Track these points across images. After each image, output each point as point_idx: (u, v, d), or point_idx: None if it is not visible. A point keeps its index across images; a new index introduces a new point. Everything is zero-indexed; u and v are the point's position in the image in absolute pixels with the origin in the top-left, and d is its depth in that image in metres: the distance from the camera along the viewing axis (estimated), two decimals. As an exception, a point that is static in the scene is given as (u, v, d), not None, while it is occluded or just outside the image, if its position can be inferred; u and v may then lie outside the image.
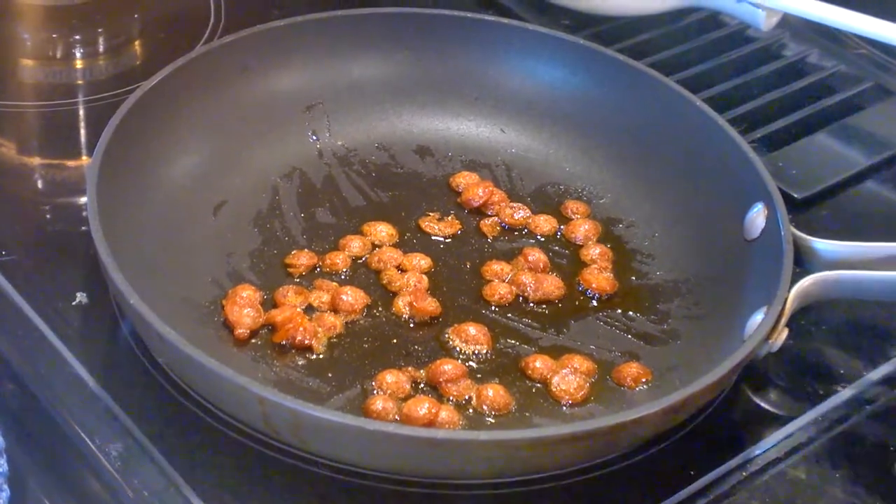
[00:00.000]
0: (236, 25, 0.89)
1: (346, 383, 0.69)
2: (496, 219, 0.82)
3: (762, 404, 0.72)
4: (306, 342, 0.71)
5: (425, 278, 0.76)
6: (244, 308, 0.72)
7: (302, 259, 0.76)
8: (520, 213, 0.82)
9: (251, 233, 0.78)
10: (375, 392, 0.69)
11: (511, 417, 0.68)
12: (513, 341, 0.73)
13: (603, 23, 1.02)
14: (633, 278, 0.78)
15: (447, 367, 0.69)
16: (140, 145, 0.76)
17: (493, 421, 0.68)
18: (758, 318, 0.68)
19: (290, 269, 0.76)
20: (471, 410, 0.68)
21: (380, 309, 0.74)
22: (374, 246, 0.78)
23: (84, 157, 0.85)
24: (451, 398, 0.69)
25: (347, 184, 0.84)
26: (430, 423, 0.66)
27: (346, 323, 0.73)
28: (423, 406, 0.67)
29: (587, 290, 0.77)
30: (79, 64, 0.94)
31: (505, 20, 0.89)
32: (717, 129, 0.80)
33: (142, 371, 0.69)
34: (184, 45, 0.92)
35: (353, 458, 0.63)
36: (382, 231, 0.79)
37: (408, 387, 0.69)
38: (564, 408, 0.69)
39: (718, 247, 0.77)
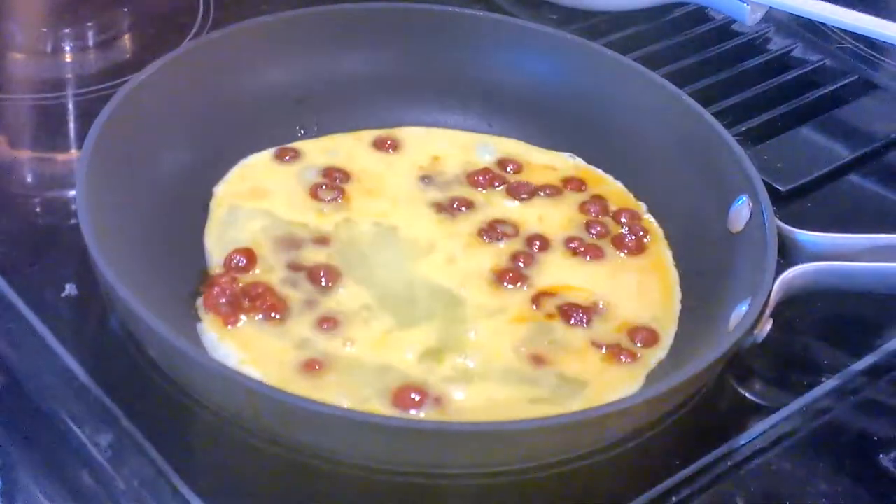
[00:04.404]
0: (225, 20, 0.90)
1: (334, 374, 0.70)
2: (484, 212, 0.82)
3: (747, 395, 0.72)
4: (295, 334, 0.71)
5: (413, 271, 0.76)
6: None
7: (290, 252, 0.77)
8: (507, 206, 0.82)
9: (240, 226, 0.79)
10: (364, 383, 0.69)
11: (498, 408, 0.69)
12: (500, 333, 0.73)
13: (590, 18, 1.02)
14: (620, 270, 0.79)
15: (435, 358, 0.70)
16: (129, 139, 0.75)
17: (480, 411, 0.68)
18: (742, 309, 0.68)
19: (279, 262, 0.76)
20: (458, 401, 0.69)
21: (368, 301, 0.74)
22: (363, 239, 0.79)
23: (73, 151, 0.85)
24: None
25: (336, 177, 0.84)
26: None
27: (335, 314, 0.73)
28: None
29: (574, 281, 0.77)
30: (68, 57, 0.94)
31: (493, 14, 0.89)
32: (703, 122, 0.80)
33: (131, 362, 0.69)
34: (173, 40, 0.92)
35: (341, 448, 0.64)
36: (371, 224, 0.79)
37: (396, 378, 0.69)
38: (551, 398, 0.70)
39: (703, 239, 0.77)
